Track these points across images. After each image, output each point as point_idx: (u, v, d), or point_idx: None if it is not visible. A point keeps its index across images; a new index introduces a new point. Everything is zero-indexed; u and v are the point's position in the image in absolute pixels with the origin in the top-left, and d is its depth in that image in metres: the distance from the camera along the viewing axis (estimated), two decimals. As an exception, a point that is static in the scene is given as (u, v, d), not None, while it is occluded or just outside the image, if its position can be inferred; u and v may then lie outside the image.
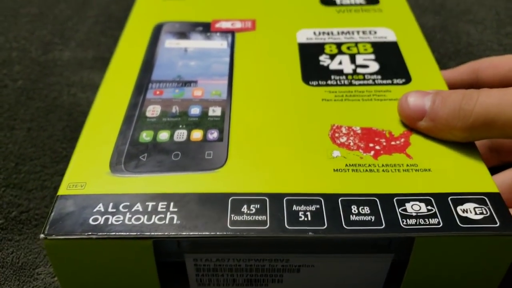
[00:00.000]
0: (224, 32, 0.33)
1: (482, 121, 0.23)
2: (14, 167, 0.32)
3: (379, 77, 0.29)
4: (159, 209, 0.21)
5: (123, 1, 0.52)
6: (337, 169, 0.23)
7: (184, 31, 0.33)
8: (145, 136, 0.25)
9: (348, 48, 0.31)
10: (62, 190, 0.22)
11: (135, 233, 0.21)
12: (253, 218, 0.21)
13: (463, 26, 0.51)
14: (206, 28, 0.33)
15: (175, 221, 0.21)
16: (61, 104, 0.38)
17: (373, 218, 0.21)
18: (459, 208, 0.22)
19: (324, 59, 0.30)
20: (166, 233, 0.21)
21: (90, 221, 0.21)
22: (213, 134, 0.25)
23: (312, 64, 0.30)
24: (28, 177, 0.32)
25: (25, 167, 0.33)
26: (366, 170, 0.23)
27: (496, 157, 0.31)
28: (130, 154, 0.24)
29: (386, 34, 0.32)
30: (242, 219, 0.21)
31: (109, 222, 0.21)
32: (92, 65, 0.43)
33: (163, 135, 0.25)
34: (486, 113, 0.23)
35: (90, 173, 0.23)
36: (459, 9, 0.53)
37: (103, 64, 0.42)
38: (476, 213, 0.21)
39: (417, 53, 0.31)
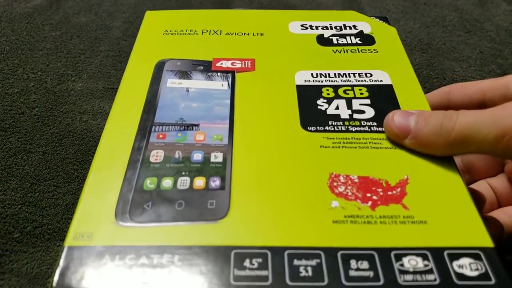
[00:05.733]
0: (225, 71, 0.32)
1: (461, 139, 0.24)
2: (30, 187, 0.34)
3: (375, 123, 0.28)
4: (164, 262, 0.21)
5: (132, 37, 0.54)
6: (336, 221, 0.23)
7: (186, 69, 0.32)
8: (149, 183, 0.25)
9: (345, 91, 0.31)
10: (69, 241, 0.22)
11: (140, 288, 0.20)
12: (256, 273, 0.21)
13: (448, 64, 0.51)
14: (207, 67, 0.33)
15: (180, 277, 0.20)
16: (73, 130, 0.40)
17: (371, 274, 0.21)
18: (455, 264, 0.21)
19: (321, 103, 0.30)
20: (170, 289, 0.20)
21: (97, 273, 0.21)
22: (215, 182, 0.25)
23: (310, 108, 0.29)
24: (42, 196, 0.34)
25: (40, 186, 0.34)
26: (364, 222, 0.23)
27: (468, 177, 0.33)
28: (135, 203, 0.24)
29: (382, 77, 0.32)
30: (245, 274, 0.21)
31: (116, 276, 0.20)
32: (103, 95, 0.44)
33: (167, 183, 0.25)
34: (465, 131, 0.24)
35: (96, 222, 0.23)
36: (445, 48, 0.53)
37: (112, 94, 0.44)
38: (471, 269, 0.21)
39: (411, 97, 0.30)
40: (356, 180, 0.25)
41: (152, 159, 0.26)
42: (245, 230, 0.22)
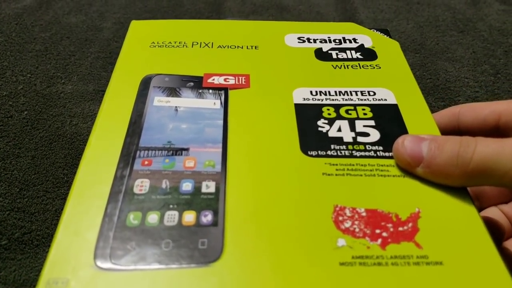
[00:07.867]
0: (217, 88, 0.30)
1: (480, 170, 0.22)
2: (18, 192, 0.33)
3: (381, 148, 0.26)
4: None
5: (123, 39, 0.53)
6: (343, 263, 0.20)
7: (174, 86, 0.30)
8: (133, 219, 0.22)
9: (347, 111, 0.28)
10: (40, 289, 0.19)
11: None
12: (254, 330, 0.18)
13: (441, 64, 0.50)
14: (197, 84, 0.30)
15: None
16: (63, 133, 0.39)
17: (385, 328, 0.18)
18: (476, 314, 0.19)
19: (322, 124, 0.27)
20: None
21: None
22: (207, 217, 0.22)
23: (310, 130, 0.27)
24: (31, 201, 0.32)
25: (29, 192, 0.33)
26: (374, 264, 0.20)
27: (477, 204, 0.31)
28: (117, 243, 0.21)
29: (386, 96, 0.29)
30: (242, 330, 0.18)
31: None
32: (93, 97, 0.43)
33: (152, 218, 0.22)
34: (484, 163, 0.22)
35: (73, 266, 0.20)
36: (438, 48, 0.52)
37: (103, 96, 0.42)
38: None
39: (418, 118, 0.28)
40: (364, 214, 0.22)
41: (136, 190, 0.23)
42: (241, 275, 0.20)
